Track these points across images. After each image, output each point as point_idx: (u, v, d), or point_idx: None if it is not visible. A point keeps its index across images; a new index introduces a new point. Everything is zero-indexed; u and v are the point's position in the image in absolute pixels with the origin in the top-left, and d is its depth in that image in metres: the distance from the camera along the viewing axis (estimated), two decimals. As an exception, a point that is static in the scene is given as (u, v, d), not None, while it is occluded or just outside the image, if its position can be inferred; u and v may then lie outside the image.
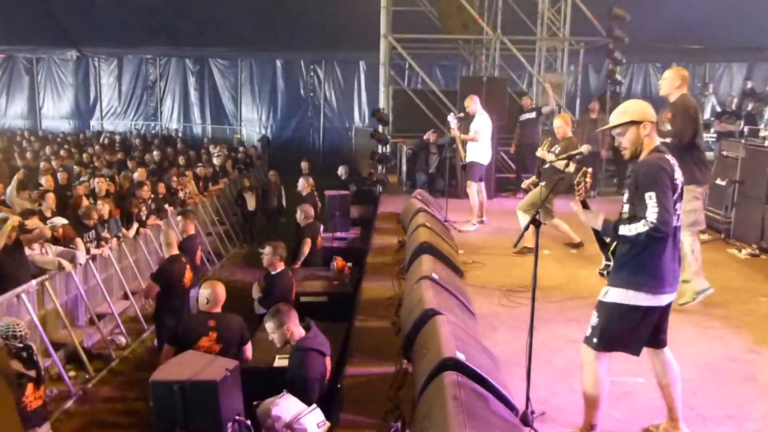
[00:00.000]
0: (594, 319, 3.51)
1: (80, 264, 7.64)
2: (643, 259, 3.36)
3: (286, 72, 21.65)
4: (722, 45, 17.46)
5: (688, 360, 4.51)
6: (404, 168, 12.54)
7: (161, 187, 10.87)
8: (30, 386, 4.59)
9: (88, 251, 7.92)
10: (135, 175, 11.59)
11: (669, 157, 3.41)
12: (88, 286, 7.97)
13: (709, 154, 8.37)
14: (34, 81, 22.62)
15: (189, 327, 5.01)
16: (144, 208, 9.83)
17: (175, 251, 6.42)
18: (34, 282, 6.77)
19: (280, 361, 4.75)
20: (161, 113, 22.42)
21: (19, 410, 4.46)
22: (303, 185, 9.90)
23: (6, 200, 9.52)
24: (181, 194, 11.67)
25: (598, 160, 11.34)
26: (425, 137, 11.99)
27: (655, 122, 3.50)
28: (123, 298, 8.82)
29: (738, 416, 3.94)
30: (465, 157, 9.09)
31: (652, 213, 3.24)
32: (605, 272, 3.77)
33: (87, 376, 7.00)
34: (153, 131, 22.11)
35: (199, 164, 14.39)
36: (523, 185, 8.29)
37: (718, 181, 8.43)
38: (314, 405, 3.97)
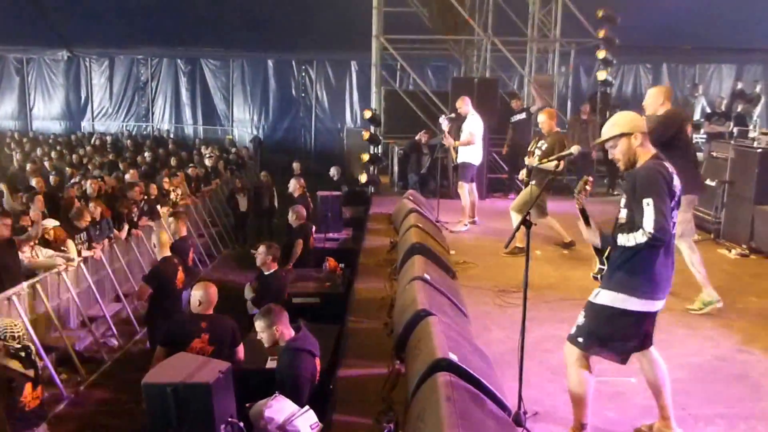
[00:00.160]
0: (581, 319, 3.53)
1: (72, 266, 7.61)
2: (638, 263, 3.38)
3: (278, 73, 21.64)
4: (712, 46, 17.59)
5: (679, 360, 4.54)
6: (396, 169, 12.53)
7: (153, 189, 10.81)
8: (28, 386, 4.59)
9: (79, 253, 7.88)
10: (126, 177, 11.54)
11: (668, 164, 3.44)
12: (80, 289, 7.93)
13: (699, 155, 8.44)
14: (25, 81, 22.49)
15: (181, 329, 5.00)
16: (136, 210, 9.79)
17: (168, 252, 6.39)
18: (24, 284, 6.72)
19: (273, 363, 4.73)
20: (153, 114, 22.36)
21: (17, 410, 4.48)
22: (294, 186, 9.84)
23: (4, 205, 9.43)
24: (172, 195, 11.62)
25: (588, 161, 11.39)
26: (417, 138, 11.99)
27: (647, 132, 3.53)
28: (115, 300, 8.78)
29: (729, 415, 3.96)
30: (456, 157, 9.13)
31: (648, 221, 3.25)
32: (599, 276, 3.80)
33: (79, 379, 6.97)
34: (144, 132, 22.07)
35: (191, 165, 14.38)
36: (520, 176, 8.39)
37: (708, 182, 8.49)
38: (307, 406, 3.97)
